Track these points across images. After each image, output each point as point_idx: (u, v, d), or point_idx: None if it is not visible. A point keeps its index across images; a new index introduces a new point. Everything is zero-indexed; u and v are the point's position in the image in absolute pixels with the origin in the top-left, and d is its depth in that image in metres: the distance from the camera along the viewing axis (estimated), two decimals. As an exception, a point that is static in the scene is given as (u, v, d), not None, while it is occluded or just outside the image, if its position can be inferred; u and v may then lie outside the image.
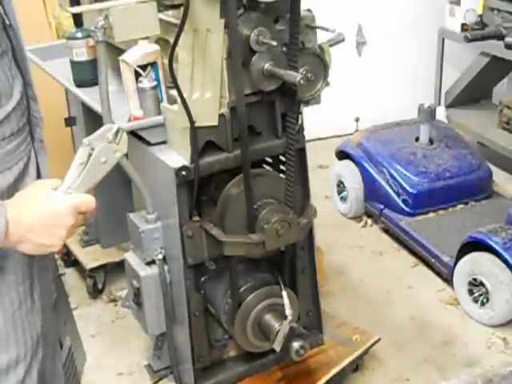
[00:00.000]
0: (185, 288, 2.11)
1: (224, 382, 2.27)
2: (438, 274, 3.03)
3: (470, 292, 2.77)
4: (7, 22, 1.33)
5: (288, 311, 2.10)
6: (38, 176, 1.47)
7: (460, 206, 3.32)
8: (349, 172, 3.53)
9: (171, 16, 2.06)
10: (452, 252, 2.87)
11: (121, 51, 2.11)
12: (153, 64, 2.07)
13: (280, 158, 2.21)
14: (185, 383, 2.26)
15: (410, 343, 2.67)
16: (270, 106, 2.07)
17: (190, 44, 1.86)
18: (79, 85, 2.45)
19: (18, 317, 1.40)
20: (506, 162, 3.83)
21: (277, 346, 2.06)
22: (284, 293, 2.14)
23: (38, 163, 1.48)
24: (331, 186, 3.68)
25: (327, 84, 2.07)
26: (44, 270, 1.52)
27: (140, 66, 2.05)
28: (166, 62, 1.89)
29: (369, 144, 3.49)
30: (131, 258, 2.24)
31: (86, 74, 2.43)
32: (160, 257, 2.16)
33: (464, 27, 3.71)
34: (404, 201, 3.27)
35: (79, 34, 2.44)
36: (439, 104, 4.15)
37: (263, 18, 1.89)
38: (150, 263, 2.17)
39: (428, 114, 3.37)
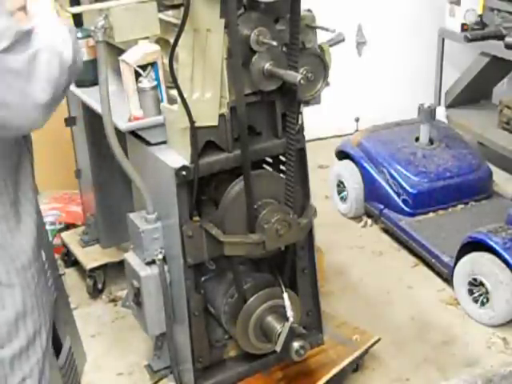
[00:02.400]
0: (185, 288, 2.11)
1: (224, 382, 2.27)
2: (438, 274, 3.03)
3: (470, 292, 2.77)
4: None
5: (289, 313, 2.10)
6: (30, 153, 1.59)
7: (460, 206, 3.32)
8: (349, 172, 3.53)
9: (171, 16, 2.07)
10: (452, 252, 2.87)
11: (121, 51, 2.11)
12: (153, 64, 2.07)
13: (280, 157, 2.21)
14: (185, 383, 2.26)
15: (410, 343, 2.67)
16: (270, 106, 2.07)
17: (190, 44, 1.86)
18: (79, 85, 2.45)
19: (38, 291, 1.53)
20: (506, 162, 3.84)
21: (278, 347, 2.06)
22: (285, 294, 2.14)
23: None
24: (331, 186, 3.68)
25: (327, 84, 2.07)
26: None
27: (140, 66, 2.05)
28: (166, 61, 1.89)
29: (369, 144, 3.50)
30: (131, 258, 2.24)
31: (86, 74, 2.42)
32: (160, 257, 2.16)
33: (464, 27, 3.72)
34: (404, 201, 3.27)
35: (79, 34, 2.43)
36: (439, 104, 4.15)
37: (263, 18, 1.89)
38: (150, 263, 2.17)
39: (428, 114, 3.37)
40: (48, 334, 1.59)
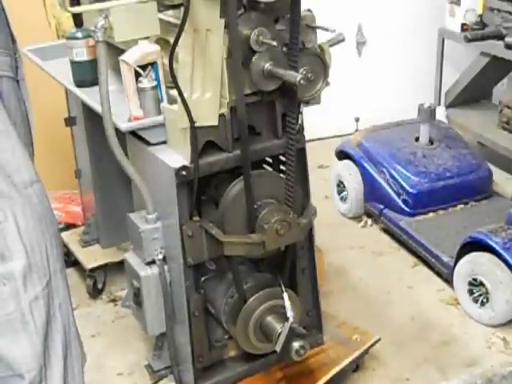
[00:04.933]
0: (185, 288, 2.11)
1: (224, 382, 2.27)
2: (438, 274, 3.03)
3: (470, 292, 2.77)
4: None
5: (289, 313, 2.10)
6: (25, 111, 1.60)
7: (460, 206, 3.32)
8: (349, 172, 3.53)
9: (171, 16, 2.07)
10: (452, 252, 2.87)
11: (121, 51, 2.11)
12: (153, 64, 2.07)
13: (280, 157, 2.21)
14: (185, 383, 2.27)
15: (410, 343, 2.67)
16: (269, 106, 2.07)
17: (190, 44, 1.87)
18: (79, 85, 2.45)
19: (42, 213, 1.52)
20: (505, 162, 3.83)
21: (278, 347, 2.06)
22: (285, 294, 2.14)
23: (24, 100, 1.60)
24: (331, 186, 3.68)
25: (327, 84, 2.07)
26: None
27: (140, 66, 2.06)
28: (166, 62, 1.89)
29: (369, 144, 3.49)
30: (131, 258, 2.24)
31: (86, 74, 2.43)
32: (160, 257, 2.16)
33: (464, 27, 3.71)
34: (404, 201, 3.27)
35: (79, 34, 2.43)
36: (439, 104, 4.15)
37: (263, 17, 1.89)
38: (150, 263, 2.17)
39: (428, 114, 3.37)
40: (61, 266, 1.56)
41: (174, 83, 1.88)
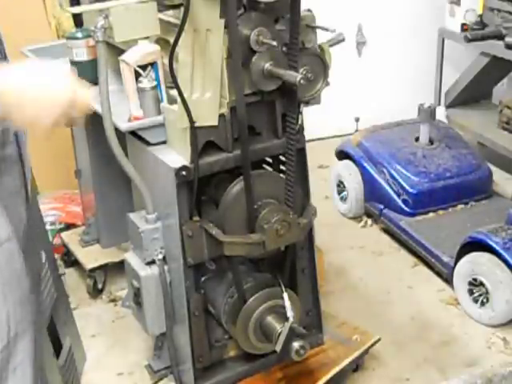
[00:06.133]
0: (185, 288, 2.11)
1: (224, 382, 2.27)
2: (438, 274, 3.03)
3: (470, 292, 2.77)
4: None
5: (289, 313, 2.10)
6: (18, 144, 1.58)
7: (460, 206, 3.32)
8: (349, 172, 3.53)
9: (171, 16, 2.07)
10: (452, 252, 2.87)
11: (121, 51, 2.11)
12: (153, 64, 2.07)
13: (280, 157, 2.21)
14: (185, 383, 2.27)
15: (410, 343, 2.67)
16: (270, 106, 2.07)
17: (190, 44, 1.87)
18: (79, 85, 2.45)
19: (7, 277, 1.47)
20: (506, 162, 3.83)
21: (278, 347, 2.06)
22: (285, 294, 2.14)
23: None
24: (331, 186, 3.68)
25: (327, 84, 2.07)
26: None
27: (140, 66, 2.06)
28: (166, 62, 1.89)
29: (369, 144, 3.50)
30: (131, 257, 2.24)
31: (86, 74, 2.42)
32: (160, 257, 2.16)
33: (464, 27, 3.71)
34: (404, 201, 3.27)
35: (79, 34, 2.43)
36: (439, 104, 4.15)
37: (263, 17, 1.89)
38: (150, 263, 2.17)
39: (428, 114, 3.37)
40: (26, 327, 1.50)
41: (174, 83, 1.88)
